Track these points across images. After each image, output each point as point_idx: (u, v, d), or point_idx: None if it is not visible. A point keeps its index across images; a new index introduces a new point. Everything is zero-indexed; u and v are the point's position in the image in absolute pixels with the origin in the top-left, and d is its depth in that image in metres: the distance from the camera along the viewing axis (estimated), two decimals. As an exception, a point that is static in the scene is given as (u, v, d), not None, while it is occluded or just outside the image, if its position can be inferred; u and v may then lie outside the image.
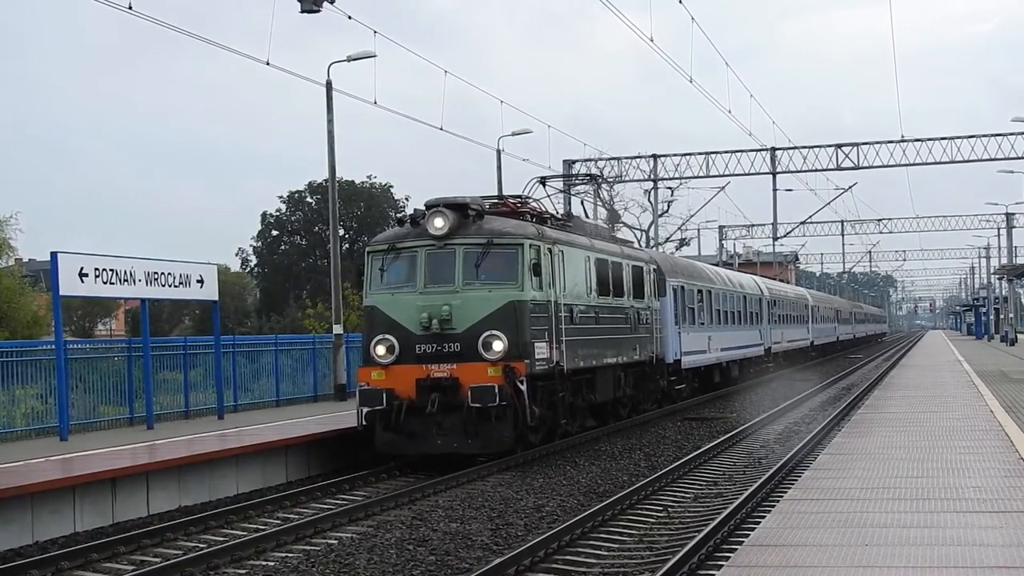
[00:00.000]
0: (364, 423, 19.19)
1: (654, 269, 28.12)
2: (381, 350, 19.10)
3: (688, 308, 31.46)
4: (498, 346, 18.71)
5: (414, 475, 18.79)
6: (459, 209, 19.52)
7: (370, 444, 19.27)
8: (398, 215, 20.72)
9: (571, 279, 21.30)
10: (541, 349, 19.49)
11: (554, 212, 23.75)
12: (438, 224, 19.24)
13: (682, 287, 30.97)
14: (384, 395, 18.75)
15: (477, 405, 18.31)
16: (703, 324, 33.22)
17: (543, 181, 25.56)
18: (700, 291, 33.20)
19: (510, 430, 18.67)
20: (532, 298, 19.35)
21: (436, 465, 18.99)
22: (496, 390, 18.26)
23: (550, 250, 20.33)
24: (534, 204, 22.61)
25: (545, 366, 19.66)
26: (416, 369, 18.88)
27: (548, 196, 25.43)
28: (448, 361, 18.83)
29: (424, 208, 19.79)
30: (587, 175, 26.81)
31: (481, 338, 18.72)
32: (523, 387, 18.57)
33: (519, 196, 22.58)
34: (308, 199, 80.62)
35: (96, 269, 20.89)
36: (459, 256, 19.25)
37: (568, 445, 21.41)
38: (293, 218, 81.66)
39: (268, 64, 27.14)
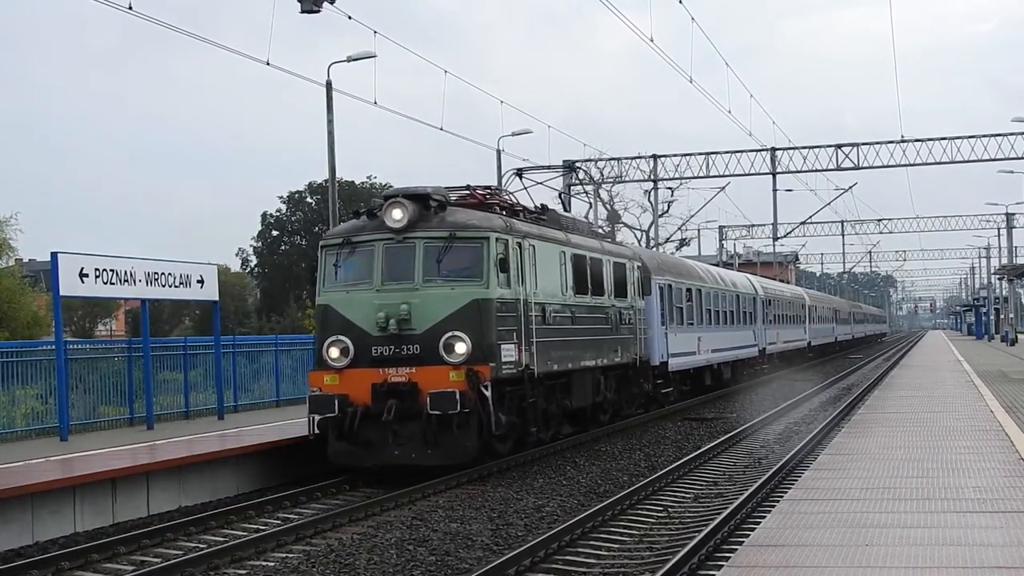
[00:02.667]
0: (316, 431, 17.80)
1: (638, 266, 26.83)
2: (334, 352, 17.77)
3: (676, 307, 30.28)
4: (461, 348, 17.35)
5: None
6: (420, 200, 18.14)
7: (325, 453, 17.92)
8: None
9: (544, 276, 19.94)
10: (508, 351, 18.11)
11: (531, 205, 22.57)
12: (396, 216, 17.86)
13: (669, 285, 29.81)
14: (336, 401, 17.38)
15: (436, 412, 16.98)
16: (692, 324, 32.06)
17: (520, 173, 24.28)
18: (689, 290, 32.03)
19: (474, 439, 17.29)
20: (499, 296, 17.98)
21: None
22: (457, 396, 16.89)
23: (520, 244, 18.95)
24: (504, 195, 21.28)
25: (513, 370, 18.26)
26: (372, 373, 17.53)
27: (525, 188, 24.30)
28: (406, 364, 17.45)
29: (382, 199, 18.55)
30: (566, 166, 25.15)
31: (442, 340, 17.36)
32: (488, 392, 17.20)
33: (488, 187, 21.05)
34: (308, 199, 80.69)
35: (96, 269, 20.90)
36: (419, 251, 17.89)
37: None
38: (293, 218, 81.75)
39: (268, 64, 27.19)
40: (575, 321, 21.38)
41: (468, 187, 20.29)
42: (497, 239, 18.18)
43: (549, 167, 25.06)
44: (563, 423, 21.85)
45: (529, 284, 19.11)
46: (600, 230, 29.04)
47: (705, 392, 34.00)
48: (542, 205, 22.51)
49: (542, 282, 19.76)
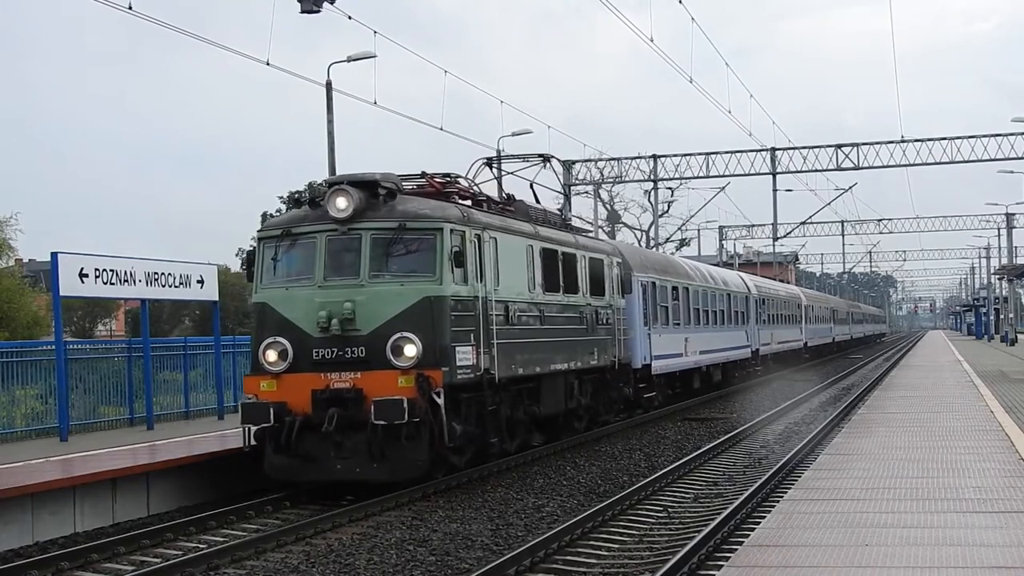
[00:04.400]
0: (253, 443, 16.26)
1: (618, 262, 25.08)
2: (272, 356, 16.25)
3: (660, 307, 28.72)
4: (410, 351, 15.85)
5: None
6: (367, 187, 16.65)
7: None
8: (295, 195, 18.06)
9: (508, 271, 18.34)
10: (465, 354, 16.59)
11: (499, 195, 20.99)
12: (340, 205, 16.36)
13: (653, 283, 28.24)
14: (271, 410, 15.86)
15: (382, 422, 15.48)
16: (679, 324, 30.48)
17: (489, 163, 22.69)
18: (675, 288, 30.41)
19: (424, 452, 15.76)
20: (454, 293, 16.45)
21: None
22: (405, 404, 15.35)
23: (479, 237, 17.38)
24: (464, 183, 19.51)
25: (470, 374, 16.73)
26: (313, 378, 16.03)
27: (496, 179, 22.57)
28: (351, 369, 15.95)
29: (326, 186, 17.07)
30: (539, 155, 23.22)
31: (390, 341, 15.86)
32: (440, 400, 15.71)
33: (448, 174, 19.26)
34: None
35: (96, 269, 20.90)
36: (365, 243, 16.38)
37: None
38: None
39: (268, 64, 27.16)
40: (544, 321, 19.87)
41: (423, 174, 18.76)
42: (452, 230, 16.64)
43: (522, 156, 23.11)
44: (532, 432, 20.35)
45: (490, 280, 17.57)
46: (575, 222, 27.72)
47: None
48: (508, 195, 21.06)
49: (506, 278, 18.24)
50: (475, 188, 19.73)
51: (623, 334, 24.72)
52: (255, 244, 17.39)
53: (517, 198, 21.08)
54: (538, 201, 22.58)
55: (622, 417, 25.76)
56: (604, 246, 25.08)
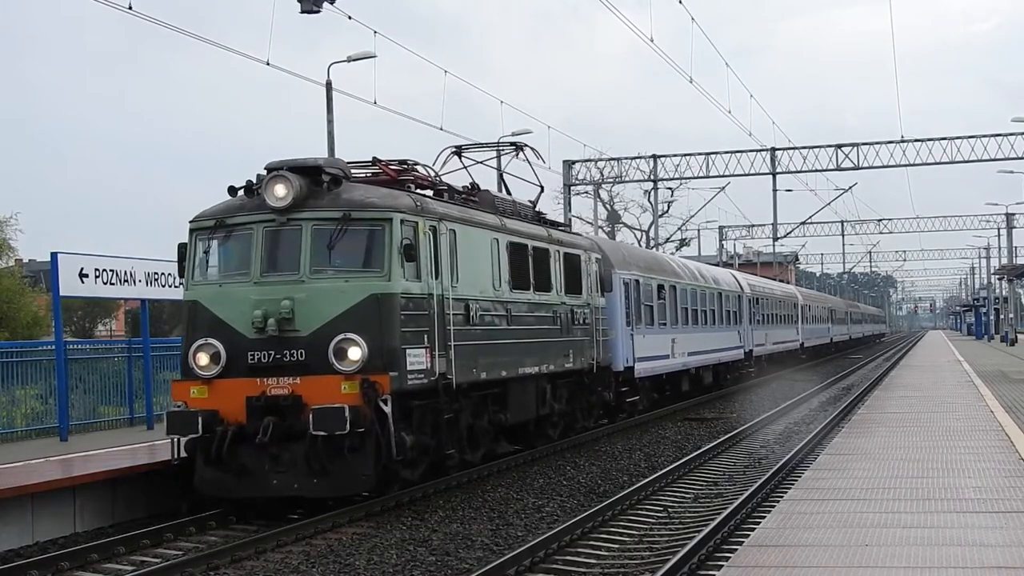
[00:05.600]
0: (183, 454, 14.89)
1: (597, 259, 23.41)
2: (203, 359, 14.87)
3: (645, 306, 27.32)
4: (355, 354, 14.46)
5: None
6: (309, 173, 15.25)
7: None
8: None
9: (469, 267, 16.96)
10: (417, 357, 15.18)
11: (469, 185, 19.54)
12: (279, 193, 14.95)
13: (636, 281, 26.83)
14: (200, 419, 14.51)
15: (321, 433, 14.11)
16: (665, 324, 29.02)
17: (459, 151, 21.03)
18: (661, 286, 28.94)
19: (370, 465, 14.38)
20: (404, 290, 15.02)
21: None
22: (346, 412, 13.99)
23: (434, 228, 15.96)
24: (423, 171, 17.89)
25: (423, 380, 15.29)
26: (247, 384, 14.65)
27: (465, 168, 20.83)
28: (289, 374, 14.57)
29: (265, 172, 15.47)
30: (512, 143, 21.80)
31: (332, 343, 14.47)
32: (387, 408, 14.36)
33: (404, 160, 17.70)
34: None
35: (96, 269, 20.91)
36: (306, 235, 15.00)
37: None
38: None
39: (268, 64, 27.19)
40: (512, 321, 18.44)
41: (375, 160, 17.28)
42: (403, 221, 15.19)
43: (494, 144, 21.66)
44: (499, 441, 19.06)
45: (447, 276, 16.15)
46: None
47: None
48: (472, 184, 19.49)
49: (467, 274, 16.82)
50: (435, 176, 18.21)
51: (603, 335, 23.26)
52: (188, 236, 15.90)
53: (484, 188, 19.76)
54: (509, 192, 21.19)
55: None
56: (581, 241, 23.45)
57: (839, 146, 49.11)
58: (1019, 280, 74.52)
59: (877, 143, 48.70)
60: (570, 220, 51.34)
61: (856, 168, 49.21)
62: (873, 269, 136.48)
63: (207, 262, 15.70)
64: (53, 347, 21.74)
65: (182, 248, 15.89)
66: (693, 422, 27.45)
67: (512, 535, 13.69)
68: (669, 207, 77.99)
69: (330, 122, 30.64)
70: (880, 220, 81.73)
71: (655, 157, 51.17)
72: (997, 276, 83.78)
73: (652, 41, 34.52)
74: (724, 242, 79.06)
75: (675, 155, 51.09)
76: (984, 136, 47.87)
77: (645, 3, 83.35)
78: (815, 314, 61.92)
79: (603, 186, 65.82)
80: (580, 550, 12.78)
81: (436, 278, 15.85)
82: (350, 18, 27.82)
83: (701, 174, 51.20)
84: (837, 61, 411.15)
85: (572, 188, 52.74)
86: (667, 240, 76.07)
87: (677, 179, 57.30)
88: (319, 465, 14.28)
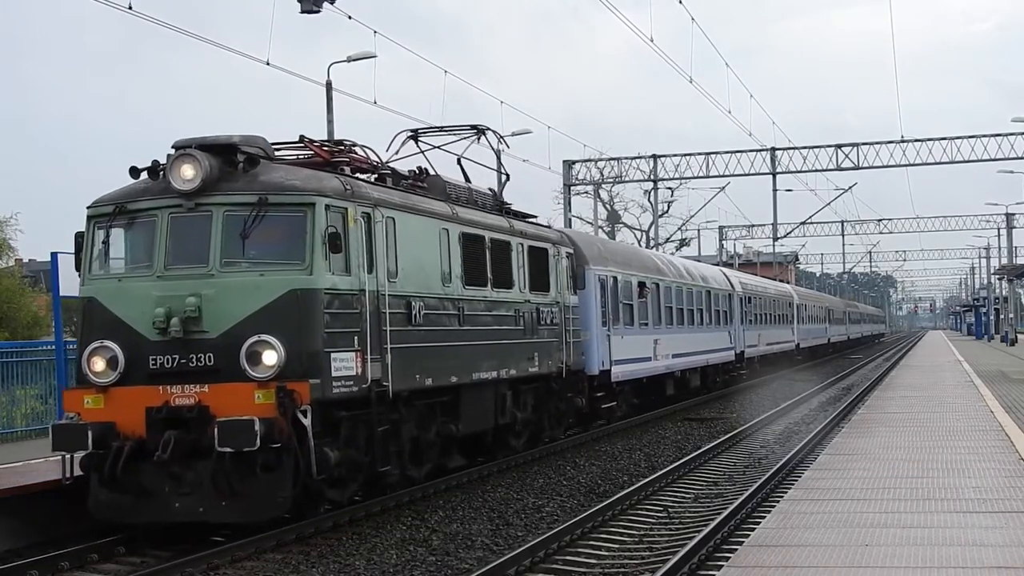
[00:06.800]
0: (77, 473, 13.18)
1: (568, 253, 21.64)
2: (98, 364, 13.15)
3: (624, 304, 25.72)
4: (270, 358, 12.77)
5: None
6: (221, 153, 13.50)
7: None
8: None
9: (412, 260, 15.22)
10: (345, 362, 13.46)
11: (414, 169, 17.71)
12: (187, 174, 13.20)
13: (614, 278, 25.13)
14: (90, 433, 12.74)
15: (228, 449, 12.41)
16: (646, 325, 27.40)
17: (415, 136, 19.27)
18: (642, 284, 27.26)
19: (287, 487, 12.69)
20: (329, 286, 13.31)
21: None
22: (257, 426, 12.29)
23: (368, 216, 14.19)
24: (362, 153, 16.12)
25: (352, 388, 13.56)
26: (148, 393, 12.92)
27: (422, 152, 19.18)
28: (195, 381, 12.86)
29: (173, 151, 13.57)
30: (472, 126, 19.80)
31: (245, 346, 12.77)
32: (306, 420, 12.63)
33: (341, 140, 16.16)
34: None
35: (96, 269, 20.82)
36: (217, 222, 13.24)
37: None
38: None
39: (268, 64, 27.20)
40: (465, 321, 16.72)
41: (302, 139, 15.43)
42: (329, 207, 13.46)
43: (452, 127, 19.93)
44: (450, 454, 17.22)
45: (383, 270, 14.40)
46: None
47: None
48: (419, 169, 17.67)
49: (409, 268, 15.11)
50: (376, 158, 16.37)
51: (574, 336, 21.48)
52: (85, 225, 14.16)
53: (434, 174, 17.90)
54: (468, 180, 19.34)
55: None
56: (549, 234, 21.44)
57: (839, 146, 49.14)
58: (1019, 280, 74.52)
59: (877, 143, 48.74)
60: (570, 220, 51.45)
61: (856, 168, 49.24)
62: (873, 269, 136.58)
63: (106, 253, 13.90)
64: (53, 347, 21.71)
65: (79, 238, 14.12)
66: (693, 422, 27.44)
67: (512, 535, 13.70)
68: (669, 207, 78.10)
69: (330, 122, 30.66)
70: (880, 220, 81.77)
71: (655, 157, 51.20)
72: (997, 276, 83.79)
73: (652, 41, 34.55)
74: (724, 242, 79.09)
75: (675, 155, 51.16)
76: (984, 136, 47.92)
77: (645, 3, 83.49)
78: (811, 314, 60.73)
79: (603, 186, 65.88)
80: (580, 550, 12.78)
81: (370, 272, 14.08)
82: (350, 18, 27.84)
83: (701, 174, 51.25)
84: (837, 61, 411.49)
85: (572, 188, 52.78)
86: (667, 240, 76.10)
87: (677, 179, 57.38)
88: (227, 486, 12.58)
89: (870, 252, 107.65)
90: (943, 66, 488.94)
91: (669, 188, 73.69)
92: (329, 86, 30.69)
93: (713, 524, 12.97)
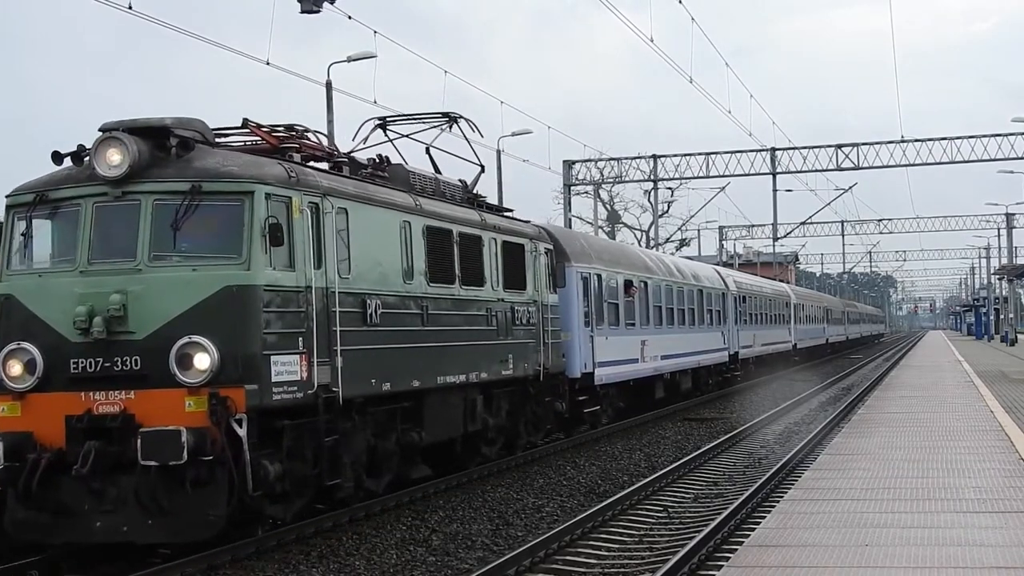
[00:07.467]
0: None
1: (547, 249, 20.59)
2: (15, 368, 12.05)
3: (608, 304, 24.66)
4: (202, 361, 11.67)
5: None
6: (153, 136, 12.33)
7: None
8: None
9: (368, 255, 14.13)
10: (287, 366, 12.32)
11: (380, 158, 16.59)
12: (113, 159, 12.06)
13: (598, 276, 24.06)
14: (3, 444, 11.68)
15: (152, 463, 11.32)
16: (633, 325, 26.33)
17: (383, 124, 18.29)
18: (629, 282, 26.22)
19: (220, 504, 11.61)
20: (270, 282, 12.16)
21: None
22: (184, 437, 11.24)
23: (316, 206, 13.03)
24: (314, 139, 14.98)
25: (296, 393, 12.42)
26: (69, 400, 11.81)
27: (391, 141, 18.25)
28: (120, 387, 11.75)
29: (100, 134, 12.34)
30: (443, 114, 18.77)
31: (175, 349, 11.66)
32: (241, 430, 11.54)
33: (292, 125, 14.82)
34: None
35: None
36: (145, 212, 12.08)
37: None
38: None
39: (268, 64, 27.24)
40: (429, 320, 15.62)
41: (246, 122, 14.20)
42: (270, 195, 12.31)
43: (421, 115, 18.81)
44: (414, 464, 15.99)
45: (333, 265, 13.24)
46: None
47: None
48: (379, 157, 16.49)
49: (364, 263, 14.02)
50: (330, 145, 15.07)
51: (553, 337, 20.45)
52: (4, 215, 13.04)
53: (397, 163, 16.77)
54: (438, 171, 18.24)
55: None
56: (526, 228, 20.20)
57: (839, 146, 49.17)
58: (1019, 280, 74.54)
59: (877, 143, 48.78)
60: (570, 220, 51.49)
61: (856, 168, 49.28)
62: (873, 269, 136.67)
63: (26, 246, 12.72)
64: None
65: None
66: (693, 422, 27.45)
67: (512, 535, 13.70)
68: (669, 207, 78.18)
69: (330, 122, 30.68)
70: (880, 220, 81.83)
71: (655, 157, 51.23)
72: (997, 276, 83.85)
73: (652, 41, 34.58)
74: (724, 242, 79.15)
75: (675, 155, 51.19)
76: (984, 136, 47.95)
77: (645, 3, 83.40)
78: (809, 313, 59.99)
79: (603, 186, 65.91)
80: (580, 550, 12.78)
81: (318, 267, 12.96)
82: (350, 18, 27.87)
83: (701, 174, 51.28)
84: (837, 61, 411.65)
85: (572, 188, 52.80)
86: (667, 240, 76.16)
87: (677, 179, 57.40)
88: (153, 503, 11.50)
89: (870, 252, 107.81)
90: (943, 66, 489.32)
91: (669, 188, 73.83)
92: (329, 86, 30.72)
93: (713, 524, 12.97)
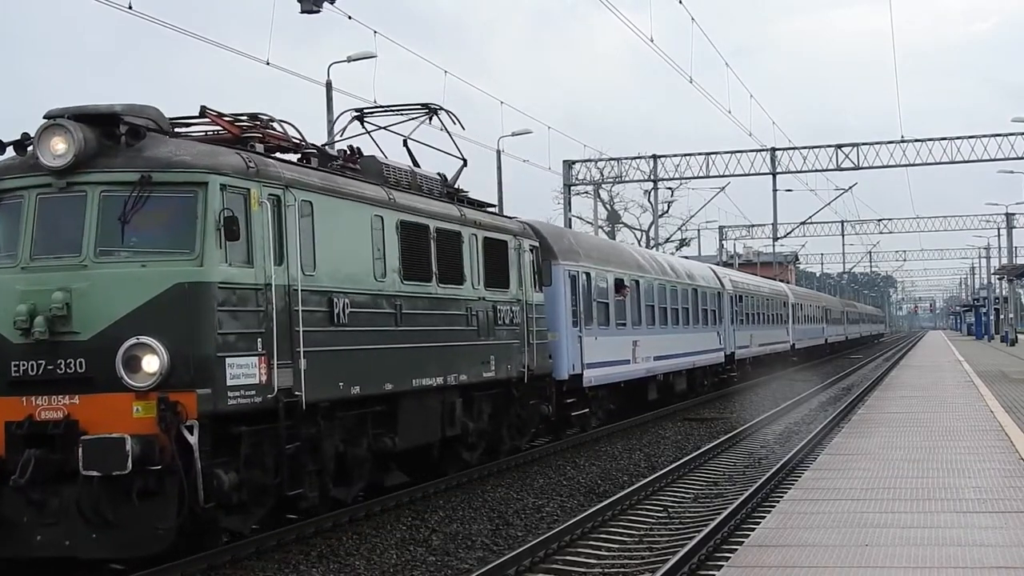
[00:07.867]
0: None
1: (532, 246, 19.85)
2: None
3: (598, 303, 23.95)
4: (151, 364, 10.96)
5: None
6: (102, 124, 11.58)
7: None
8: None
9: (336, 251, 13.36)
10: (244, 369, 11.59)
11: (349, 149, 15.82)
12: (58, 148, 11.36)
13: (587, 274, 23.36)
14: None
15: (94, 472, 10.63)
16: (624, 325, 25.65)
17: (360, 116, 17.78)
18: (619, 280, 25.49)
19: (170, 516, 10.95)
20: (225, 279, 11.47)
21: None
22: (129, 445, 10.58)
23: (278, 199, 12.30)
24: (280, 129, 14.00)
25: (254, 398, 11.70)
26: (9, 405, 11.14)
27: (368, 133, 17.74)
28: (64, 391, 11.05)
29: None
30: (423, 105, 17.95)
31: (122, 350, 10.96)
32: (192, 438, 10.88)
33: (257, 114, 13.78)
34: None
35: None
36: (92, 204, 11.38)
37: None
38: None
39: (268, 64, 27.26)
40: (404, 320, 14.87)
41: (204, 110, 13.28)
42: (225, 187, 11.58)
43: (400, 106, 18.08)
44: (387, 471, 15.44)
45: (296, 261, 12.47)
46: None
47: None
48: (351, 148, 15.81)
49: (331, 260, 13.26)
50: (297, 136, 14.28)
51: (539, 337, 19.67)
52: None
53: (369, 155, 16.02)
54: (417, 165, 17.58)
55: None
56: (510, 225, 19.48)
57: (839, 146, 49.19)
58: (1019, 280, 74.55)
59: (877, 143, 48.81)
60: (570, 220, 51.50)
61: (856, 168, 49.30)
62: (873, 269, 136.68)
63: None
64: None
65: None
66: (693, 422, 27.45)
67: (512, 535, 13.70)
68: (669, 207, 78.18)
69: (330, 122, 30.67)
70: (880, 220, 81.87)
71: (655, 157, 51.25)
72: (997, 276, 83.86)
73: (652, 41, 34.59)
74: (724, 242, 79.16)
75: (675, 155, 51.23)
76: (984, 136, 47.97)
77: (645, 3, 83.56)
78: (807, 313, 59.28)
79: (603, 186, 65.91)
80: (580, 550, 12.79)
81: (279, 263, 12.22)
82: (350, 18, 27.88)
83: (701, 174, 51.31)
84: (837, 61, 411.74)
85: (572, 188, 52.81)
86: (667, 240, 76.17)
87: (677, 179, 57.42)
88: (98, 516, 10.78)
89: (870, 252, 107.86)
90: (943, 66, 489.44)
91: (669, 188, 73.82)
92: (329, 86, 30.73)
93: (713, 524, 12.97)
